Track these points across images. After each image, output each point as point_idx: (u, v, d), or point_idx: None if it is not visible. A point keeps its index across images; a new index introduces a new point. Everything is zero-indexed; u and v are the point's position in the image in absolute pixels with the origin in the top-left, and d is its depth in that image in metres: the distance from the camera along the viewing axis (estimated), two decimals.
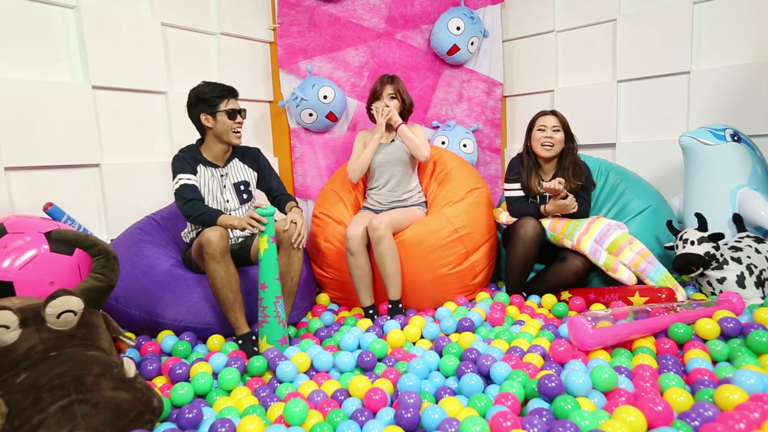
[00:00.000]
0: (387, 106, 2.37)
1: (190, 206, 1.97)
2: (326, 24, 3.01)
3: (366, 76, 3.08)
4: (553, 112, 2.30)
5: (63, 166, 2.22)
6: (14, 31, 2.06)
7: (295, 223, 1.98)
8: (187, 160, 2.06)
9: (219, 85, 2.06)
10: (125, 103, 2.44)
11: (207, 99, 2.02)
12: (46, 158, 2.14)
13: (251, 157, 2.24)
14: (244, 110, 2.12)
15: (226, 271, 1.84)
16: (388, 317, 2.12)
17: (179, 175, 2.02)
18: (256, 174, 2.25)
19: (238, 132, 2.10)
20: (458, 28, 2.97)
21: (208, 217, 1.94)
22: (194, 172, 2.06)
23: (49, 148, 2.14)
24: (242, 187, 2.17)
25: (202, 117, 2.05)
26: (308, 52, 3.03)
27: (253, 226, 1.82)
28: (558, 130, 2.25)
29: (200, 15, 2.76)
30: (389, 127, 2.45)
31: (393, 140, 2.45)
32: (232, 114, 2.06)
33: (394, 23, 3.07)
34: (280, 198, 2.23)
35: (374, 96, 2.43)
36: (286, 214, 2.16)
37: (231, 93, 2.08)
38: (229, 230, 2.14)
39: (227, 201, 2.13)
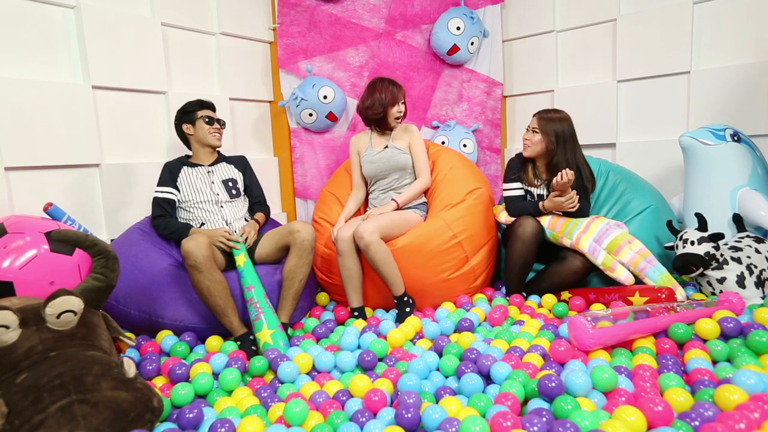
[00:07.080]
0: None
1: (157, 224, 2.16)
2: (326, 24, 3.01)
3: (366, 76, 3.07)
4: (539, 113, 2.28)
5: (63, 166, 2.22)
6: (14, 31, 2.06)
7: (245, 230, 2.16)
8: (169, 167, 2.22)
9: (196, 100, 2.27)
10: (125, 103, 2.44)
11: (186, 111, 2.22)
12: (46, 158, 2.14)
13: (238, 161, 2.39)
14: (223, 121, 2.29)
15: (210, 279, 1.83)
16: (396, 311, 2.13)
17: (156, 187, 2.20)
18: (242, 175, 2.36)
19: (217, 135, 2.25)
20: (458, 28, 2.97)
21: (178, 234, 2.12)
22: (173, 181, 2.19)
23: (49, 148, 2.14)
24: (230, 184, 2.28)
25: (185, 127, 2.23)
26: (308, 52, 3.03)
27: (225, 245, 2.02)
28: (536, 132, 2.25)
29: (200, 15, 2.76)
30: (383, 131, 2.41)
31: (386, 146, 2.38)
32: (209, 121, 2.23)
33: (394, 23, 3.07)
34: (254, 206, 2.38)
35: (393, 100, 2.32)
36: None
37: (206, 105, 2.26)
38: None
39: (217, 194, 2.23)
